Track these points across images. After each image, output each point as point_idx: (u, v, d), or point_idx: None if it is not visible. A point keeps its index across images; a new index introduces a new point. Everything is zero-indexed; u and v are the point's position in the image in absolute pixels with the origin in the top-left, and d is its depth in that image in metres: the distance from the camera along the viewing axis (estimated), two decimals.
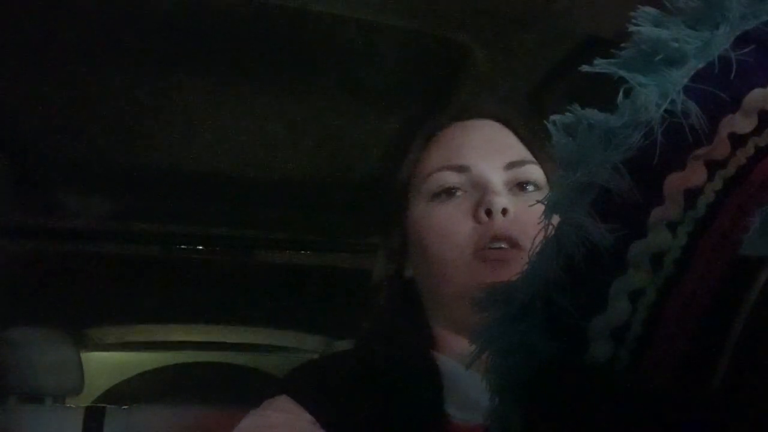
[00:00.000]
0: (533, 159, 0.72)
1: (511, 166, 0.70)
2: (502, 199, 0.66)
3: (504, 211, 0.65)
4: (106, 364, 2.31)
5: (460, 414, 0.62)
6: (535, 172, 0.71)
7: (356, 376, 0.66)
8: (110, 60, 1.08)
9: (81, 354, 1.60)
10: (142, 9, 0.98)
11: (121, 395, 2.25)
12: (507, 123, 0.74)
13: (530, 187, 0.70)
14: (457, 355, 0.67)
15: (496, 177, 0.69)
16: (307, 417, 0.63)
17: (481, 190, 0.68)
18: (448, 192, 0.69)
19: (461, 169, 0.70)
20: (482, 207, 0.66)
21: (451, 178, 0.70)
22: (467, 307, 0.65)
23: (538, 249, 0.32)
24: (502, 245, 0.65)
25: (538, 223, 0.33)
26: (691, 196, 0.29)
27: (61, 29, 1.01)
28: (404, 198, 0.74)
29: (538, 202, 0.33)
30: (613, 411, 0.28)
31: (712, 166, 0.29)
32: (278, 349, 2.33)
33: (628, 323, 0.29)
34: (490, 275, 0.64)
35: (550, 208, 0.32)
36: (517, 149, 0.72)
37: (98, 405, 1.52)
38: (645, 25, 0.32)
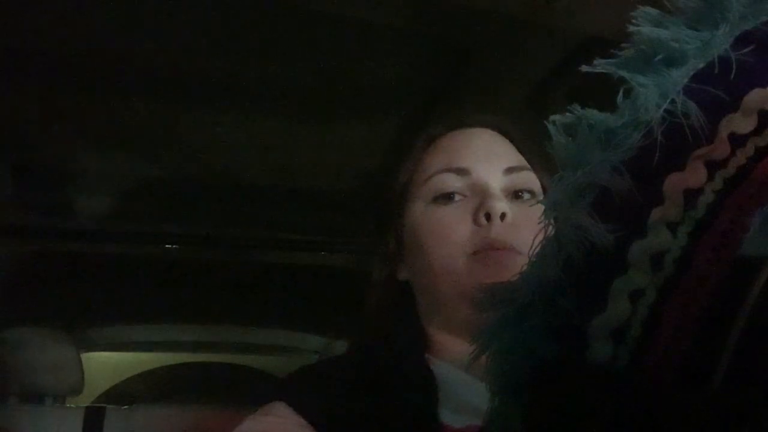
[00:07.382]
0: (529, 167, 0.73)
1: (510, 171, 0.72)
2: (501, 204, 0.67)
3: (503, 216, 0.67)
4: (106, 364, 2.31)
5: (455, 418, 0.62)
6: (531, 179, 0.73)
7: (352, 381, 0.67)
8: (113, 64, 1.08)
9: (81, 354, 1.60)
10: (146, 23, 0.98)
11: (121, 395, 2.25)
12: (504, 132, 0.76)
13: (526, 195, 0.71)
14: (453, 358, 0.67)
15: (495, 182, 0.71)
16: (303, 422, 0.63)
17: (480, 194, 0.70)
18: (449, 195, 0.71)
19: (461, 171, 0.71)
20: (482, 211, 0.68)
21: (452, 181, 0.71)
22: (464, 308, 0.66)
23: (538, 249, 0.32)
24: (500, 249, 0.66)
25: (539, 223, 0.33)
26: (691, 196, 0.29)
27: (63, 34, 1.01)
28: (402, 201, 0.75)
29: (538, 202, 0.33)
30: (613, 411, 0.28)
31: (712, 166, 0.29)
32: (278, 349, 2.33)
33: (628, 323, 0.29)
34: (487, 277, 0.65)
35: (550, 208, 0.32)
36: (515, 156, 0.74)
37: (98, 405, 1.52)
38: (645, 25, 0.32)
